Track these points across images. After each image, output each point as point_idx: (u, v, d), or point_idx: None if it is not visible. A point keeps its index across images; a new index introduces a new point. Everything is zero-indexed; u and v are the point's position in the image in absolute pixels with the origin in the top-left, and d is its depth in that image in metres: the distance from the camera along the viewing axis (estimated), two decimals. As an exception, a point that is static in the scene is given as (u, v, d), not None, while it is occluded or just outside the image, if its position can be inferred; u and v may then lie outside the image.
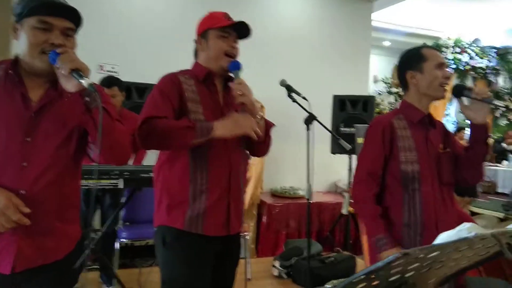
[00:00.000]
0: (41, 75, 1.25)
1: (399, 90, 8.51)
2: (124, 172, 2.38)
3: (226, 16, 1.60)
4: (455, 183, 1.72)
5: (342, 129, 4.23)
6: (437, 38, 9.18)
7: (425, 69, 1.65)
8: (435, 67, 1.64)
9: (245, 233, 3.26)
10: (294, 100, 2.36)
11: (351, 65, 5.44)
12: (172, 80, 1.54)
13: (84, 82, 1.14)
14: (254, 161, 4.20)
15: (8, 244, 1.20)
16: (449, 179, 1.68)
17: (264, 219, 4.29)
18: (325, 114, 3.71)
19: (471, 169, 1.68)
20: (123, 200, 2.94)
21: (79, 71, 1.15)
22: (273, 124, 1.71)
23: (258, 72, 4.54)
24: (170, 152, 1.54)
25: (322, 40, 5.24)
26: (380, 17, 7.64)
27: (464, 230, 0.64)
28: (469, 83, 9.76)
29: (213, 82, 1.60)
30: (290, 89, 2.35)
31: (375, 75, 8.33)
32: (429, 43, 9.12)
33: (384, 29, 8.75)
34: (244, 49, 5.50)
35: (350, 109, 4.35)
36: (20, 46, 1.24)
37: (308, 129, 2.34)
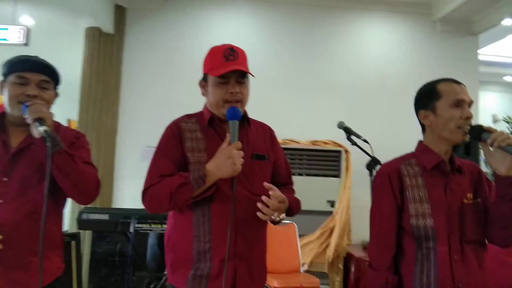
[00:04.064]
0: (21, 124, 1.42)
1: (526, 130, 7.36)
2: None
3: (225, 55, 1.45)
4: (484, 241, 1.40)
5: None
6: None
7: (439, 109, 1.41)
8: (451, 105, 1.39)
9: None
10: (354, 143, 2.20)
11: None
12: (172, 131, 1.50)
13: (41, 128, 1.29)
14: (338, 209, 3.96)
15: None
16: (474, 236, 1.37)
17: (352, 274, 3.93)
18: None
19: (499, 229, 1.36)
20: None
21: (41, 120, 1.32)
22: (298, 209, 1.59)
23: (343, 116, 4.39)
24: None
25: (417, 81, 4.86)
26: (498, 51, 6.88)
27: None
28: None
29: (221, 126, 1.51)
30: (349, 132, 2.21)
31: (495, 114, 7.38)
32: None
33: (503, 64, 7.85)
34: (328, 93, 5.33)
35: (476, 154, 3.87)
36: (4, 100, 1.47)
37: (370, 174, 2.12)
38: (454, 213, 1.38)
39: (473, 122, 4.84)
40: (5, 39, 3.91)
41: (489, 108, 7.55)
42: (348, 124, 2.28)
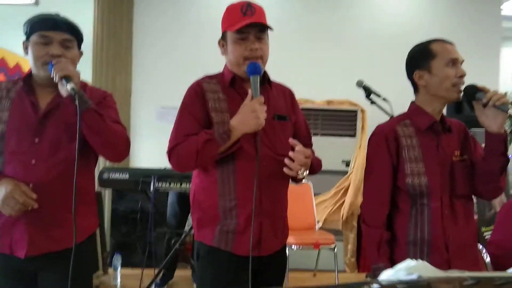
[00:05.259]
0: (49, 84, 1.42)
1: (547, 87, 7.14)
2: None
3: (242, 10, 1.41)
4: (471, 195, 1.49)
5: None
6: None
7: (434, 68, 1.45)
8: (446, 64, 1.43)
9: (332, 245, 3.09)
10: (373, 102, 2.18)
11: (474, 63, 4.73)
12: (195, 91, 1.48)
13: (68, 86, 1.30)
14: (353, 168, 3.98)
15: (22, 232, 1.38)
16: (464, 191, 1.45)
17: (365, 231, 4.00)
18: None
19: (486, 183, 1.44)
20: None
21: (68, 78, 1.31)
22: (320, 168, 1.61)
23: (360, 73, 4.30)
24: None
25: (438, 35, 4.68)
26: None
27: (402, 270, 0.47)
28: None
29: (242, 86, 1.49)
30: (368, 90, 2.18)
31: (516, 72, 7.13)
32: None
33: (526, 19, 7.50)
34: (343, 49, 5.12)
35: (469, 111, 3.79)
36: (29, 60, 1.45)
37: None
38: (445, 171, 1.46)
39: (495, 78, 4.65)
40: (16, -1, 3.86)
41: (511, 65, 7.31)
42: (364, 81, 2.24)
